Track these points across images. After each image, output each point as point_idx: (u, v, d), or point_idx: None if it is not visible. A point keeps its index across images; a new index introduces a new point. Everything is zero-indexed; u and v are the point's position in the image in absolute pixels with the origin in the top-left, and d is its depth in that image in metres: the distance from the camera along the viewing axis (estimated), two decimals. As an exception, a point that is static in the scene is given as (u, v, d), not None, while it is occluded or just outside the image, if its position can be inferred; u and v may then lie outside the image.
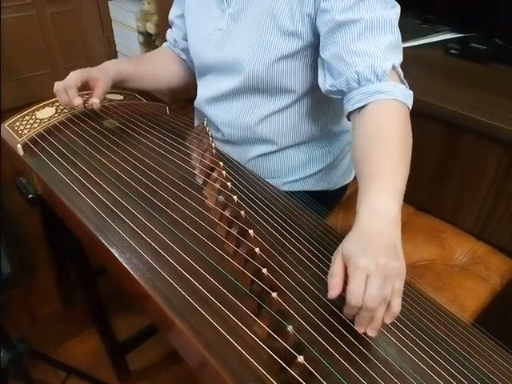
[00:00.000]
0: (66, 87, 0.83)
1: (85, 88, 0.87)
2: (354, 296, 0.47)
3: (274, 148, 0.89)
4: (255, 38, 0.78)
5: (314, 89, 0.82)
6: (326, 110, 0.87)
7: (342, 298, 0.50)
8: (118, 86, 0.95)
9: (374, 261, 0.48)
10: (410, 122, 0.65)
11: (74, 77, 0.84)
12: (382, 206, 0.54)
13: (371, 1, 0.67)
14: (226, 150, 0.92)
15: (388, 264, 0.48)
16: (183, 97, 2.63)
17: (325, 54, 0.73)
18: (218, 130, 0.92)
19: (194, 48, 0.92)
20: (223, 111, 0.89)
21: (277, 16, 0.75)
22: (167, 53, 1.05)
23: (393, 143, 0.60)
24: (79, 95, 0.84)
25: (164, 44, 1.07)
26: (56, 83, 0.84)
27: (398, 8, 0.70)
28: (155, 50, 1.07)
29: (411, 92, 0.69)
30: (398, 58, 0.70)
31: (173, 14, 1.01)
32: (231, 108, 0.88)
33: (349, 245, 0.51)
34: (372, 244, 0.50)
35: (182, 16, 0.96)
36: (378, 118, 0.64)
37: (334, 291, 0.50)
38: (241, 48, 0.80)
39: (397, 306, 0.49)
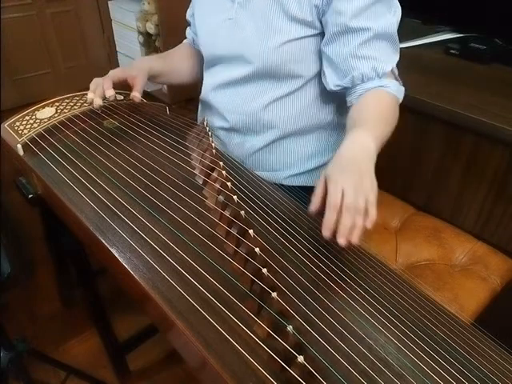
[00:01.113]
0: (104, 79, 0.86)
1: (121, 86, 0.90)
2: (333, 198, 0.56)
3: (280, 135, 0.89)
4: (263, 23, 0.80)
5: (321, 73, 0.84)
6: (332, 96, 0.88)
7: (341, 297, 0.50)
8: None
9: (349, 178, 0.58)
10: (397, 112, 0.77)
11: (114, 72, 0.89)
12: (362, 141, 0.65)
13: (378, 6, 0.73)
14: (231, 140, 0.93)
15: (361, 181, 0.58)
16: (183, 97, 2.64)
17: (329, 49, 0.79)
18: (223, 118, 0.93)
19: (203, 39, 0.94)
20: (229, 97, 0.90)
21: (283, 1, 0.77)
22: (187, 48, 1.08)
23: (381, 111, 0.74)
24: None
25: (184, 41, 1.11)
26: (95, 79, 0.88)
27: (400, 12, 0.78)
28: (178, 46, 1.11)
29: (403, 88, 0.80)
30: (397, 59, 0.80)
31: (188, 13, 1.04)
32: (238, 93, 0.89)
33: (330, 167, 0.61)
34: (349, 166, 0.60)
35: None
36: (372, 97, 0.76)
37: (313, 206, 0.60)
38: (249, 35, 0.82)
39: (374, 213, 0.57)
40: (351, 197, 0.56)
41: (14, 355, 0.99)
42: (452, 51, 1.43)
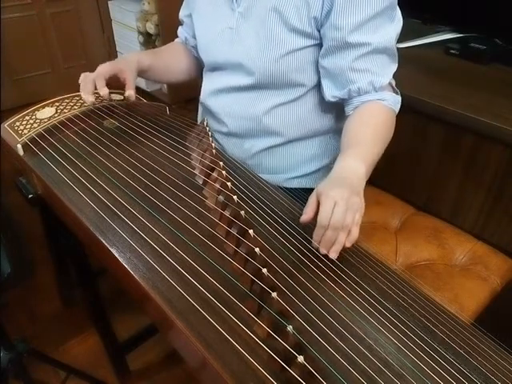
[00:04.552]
0: (96, 78, 0.84)
1: (111, 81, 0.88)
2: (324, 216, 0.59)
3: (280, 141, 0.89)
4: (263, 34, 0.79)
5: None
6: (333, 103, 0.87)
7: (341, 297, 0.50)
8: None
9: (341, 193, 0.60)
10: (393, 124, 0.79)
11: (104, 69, 0.86)
12: (353, 165, 0.68)
13: (378, 19, 0.72)
14: (231, 143, 0.93)
15: (351, 197, 0.60)
16: (183, 97, 2.64)
17: (326, 61, 0.79)
18: (222, 123, 0.92)
19: (202, 46, 0.93)
20: (230, 102, 0.90)
21: (282, 12, 0.77)
22: (179, 47, 1.07)
23: (375, 130, 0.75)
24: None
25: (176, 39, 1.09)
26: (84, 74, 0.86)
27: (401, 23, 0.78)
28: (169, 44, 1.09)
29: (399, 98, 0.81)
30: (394, 69, 0.80)
31: (182, 14, 1.03)
32: (238, 99, 0.88)
33: (322, 184, 0.63)
34: (341, 184, 0.63)
35: (191, 15, 0.96)
36: (368, 113, 0.78)
37: (305, 216, 0.63)
38: (250, 46, 0.81)
39: (355, 232, 0.61)
40: (340, 213, 0.59)
41: (14, 355, 0.99)
42: (452, 51, 1.43)
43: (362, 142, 0.73)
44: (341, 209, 0.59)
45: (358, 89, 0.77)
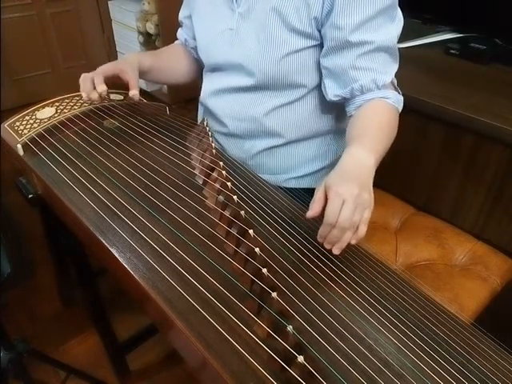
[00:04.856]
0: (95, 75, 0.84)
1: (113, 81, 0.88)
2: (331, 215, 0.57)
3: (281, 141, 0.89)
4: (263, 35, 0.79)
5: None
6: (333, 103, 0.87)
7: (341, 297, 0.50)
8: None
9: (350, 190, 0.58)
10: (397, 122, 0.78)
11: (103, 68, 0.86)
12: (361, 156, 0.66)
13: (379, 18, 0.72)
14: (231, 144, 0.92)
15: (361, 194, 0.59)
16: (183, 97, 2.64)
17: (327, 61, 0.78)
18: (223, 123, 0.92)
19: (202, 47, 0.93)
20: (230, 103, 0.89)
21: (282, 13, 0.76)
22: (179, 49, 1.07)
23: (380, 126, 0.74)
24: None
25: (176, 41, 1.09)
26: (84, 74, 0.86)
27: (401, 23, 0.78)
28: (169, 46, 1.09)
29: (401, 97, 0.81)
30: (396, 69, 0.80)
31: (182, 15, 1.02)
32: (238, 100, 0.88)
33: (331, 177, 0.61)
34: (350, 178, 0.61)
35: (191, 17, 0.96)
36: (372, 110, 0.77)
37: (312, 211, 0.61)
38: (250, 47, 0.81)
39: (362, 230, 0.60)
40: (348, 212, 0.57)
41: (14, 355, 0.99)
42: (452, 51, 1.43)
43: (368, 134, 0.71)
44: (349, 207, 0.57)
45: (361, 87, 0.76)
